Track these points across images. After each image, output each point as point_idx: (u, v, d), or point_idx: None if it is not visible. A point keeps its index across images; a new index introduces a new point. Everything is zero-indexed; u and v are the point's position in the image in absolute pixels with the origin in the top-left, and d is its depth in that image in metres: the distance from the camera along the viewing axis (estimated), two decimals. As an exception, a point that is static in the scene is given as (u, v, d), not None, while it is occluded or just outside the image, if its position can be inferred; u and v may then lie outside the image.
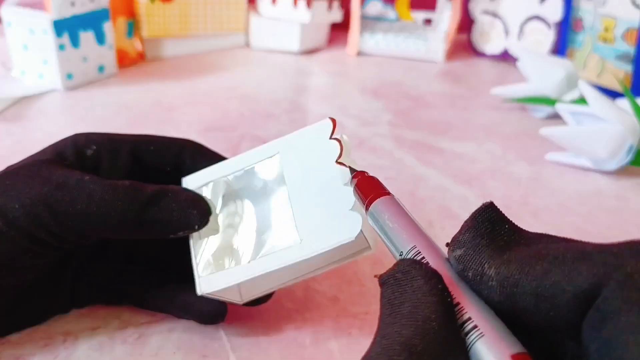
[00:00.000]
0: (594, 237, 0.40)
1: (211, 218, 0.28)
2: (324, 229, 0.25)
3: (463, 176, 0.47)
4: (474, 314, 0.17)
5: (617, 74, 0.63)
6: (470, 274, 0.17)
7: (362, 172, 0.24)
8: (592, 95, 0.48)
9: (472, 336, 0.16)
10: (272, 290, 0.29)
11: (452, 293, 0.17)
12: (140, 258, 0.31)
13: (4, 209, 0.25)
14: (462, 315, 0.17)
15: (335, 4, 0.78)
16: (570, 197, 0.45)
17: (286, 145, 0.28)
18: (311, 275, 0.27)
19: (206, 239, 0.28)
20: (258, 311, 0.31)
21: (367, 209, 0.22)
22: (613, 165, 0.47)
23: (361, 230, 0.24)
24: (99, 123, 0.54)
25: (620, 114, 0.46)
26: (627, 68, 0.62)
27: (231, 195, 0.31)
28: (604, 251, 0.15)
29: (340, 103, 0.62)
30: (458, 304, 0.17)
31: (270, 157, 0.28)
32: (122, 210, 0.26)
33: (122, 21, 0.67)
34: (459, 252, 0.18)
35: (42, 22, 0.56)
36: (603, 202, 0.44)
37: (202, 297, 0.27)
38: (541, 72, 0.58)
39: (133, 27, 0.69)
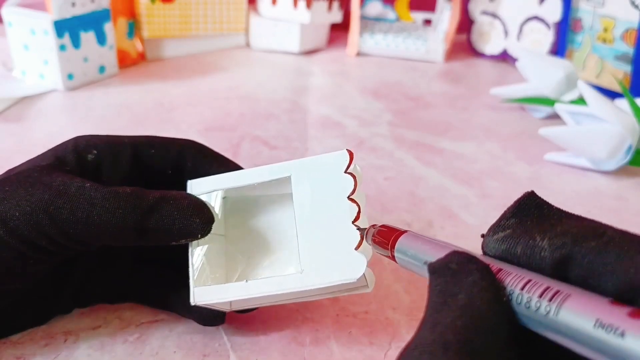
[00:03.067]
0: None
1: (213, 225, 0.27)
2: (327, 264, 0.25)
3: (463, 176, 0.47)
4: (549, 282, 0.16)
5: (616, 74, 0.63)
6: (519, 248, 0.17)
7: (373, 225, 0.24)
8: (591, 95, 0.48)
9: (553, 306, 0.15)
10: (262, 306, 0.29)
11: (517, 275, 0.17)
12: (147, 257, 0.31)
13: (4, 216, 0.25)
14: (535, 290, 0.16)
15: (335, 5, 0.78)
16: (569, 197, 0.45)
17: (300, 168, 0.27)
18: (303, 301, 0.27)
19: (206, 246, 0.28)
20: (258, 311, 0.31)
21: (392, 246, 0.22)
22: (612, 165, 0.47)
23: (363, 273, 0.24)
24: (100, 123, 0.54)
25: (619, 114, 0.46)
26: (626, 68, 0.62)
27: (236, 207, 0.31)
28: None
29: (340, 103, 0.62)
30: (529, 281, 0.16)
31: (282, 177, 0.27)
32: (123, 219, 0.25)
33: (122, 22, 0.67)
34: (502, 234, 0.18)
35: (43, 22, 0.56)
36: (602, 202, 0.44)
37: None
38: (540, 72, 0.58)
39: (134, 28, 0.69)
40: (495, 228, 0.18)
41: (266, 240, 0.30)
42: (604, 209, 0.43)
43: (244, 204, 0.31)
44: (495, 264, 0.18)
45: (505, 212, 0.18)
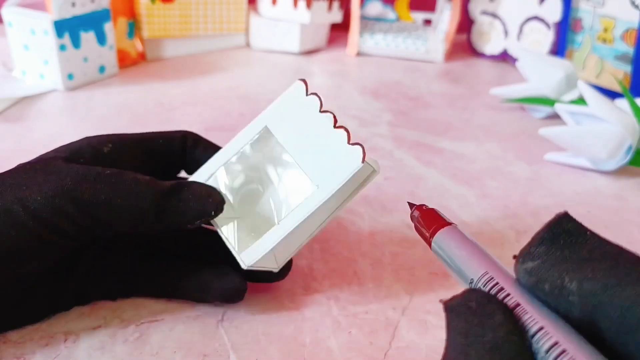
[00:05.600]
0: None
1: (226, 206, 0.29)
2: (334, 168, 0.28)
3: (462, 176, 0.47)
4: (562, 336, 0.15)
5: (616, 74, 0.63)
6: (547, 286, 0.16)
7: (422, 205, 0.24)
8: (591, 95, 0.48)
9: None
10: (302, 247, 0.30)
11: (532, 319, 0.16)
12: (152, 251, 0.32)
13: (24, 200, 0.25)
14: (544, 342, 0.16)
15: (335, 5, 0.78)
16: (569, 197, 0.45)
17: (270, 115, 0.30)
18: (332, 218, 0.30)
19: (231, 223, 0.30)
20: (258, 311, 0.31)
21: (431, 238, 0.22)
22: (612, 165, 0.47)
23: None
24: (100, 123, 0.54)
25: (619, 114, 0.46)
26: (626, 68, 0.62)
27: (240, 176, 0.32)
28: None
29: (340, 103, 0.62)
30: (541, 328, 0.16)
31: (260, 131, 0.30)
32: (144, 201, 0.27)
33: (122, 21, 0.67)
34: (531, 265, 0.17)
35: (43, 22, 0.56)
36: (602, 202, 0.44)
37: (221, 275, 0.29)
38: (540, 72, 0.58)
39: (134, 28, 0.69)
40: (525, 255, 0.17)
41: (281, 187, 0.31)
42: (603, 209, 0.43)
43: (249, 172, 0.32)
44: (516, 297, 0.17)
45: (535, 235, 0.17)
